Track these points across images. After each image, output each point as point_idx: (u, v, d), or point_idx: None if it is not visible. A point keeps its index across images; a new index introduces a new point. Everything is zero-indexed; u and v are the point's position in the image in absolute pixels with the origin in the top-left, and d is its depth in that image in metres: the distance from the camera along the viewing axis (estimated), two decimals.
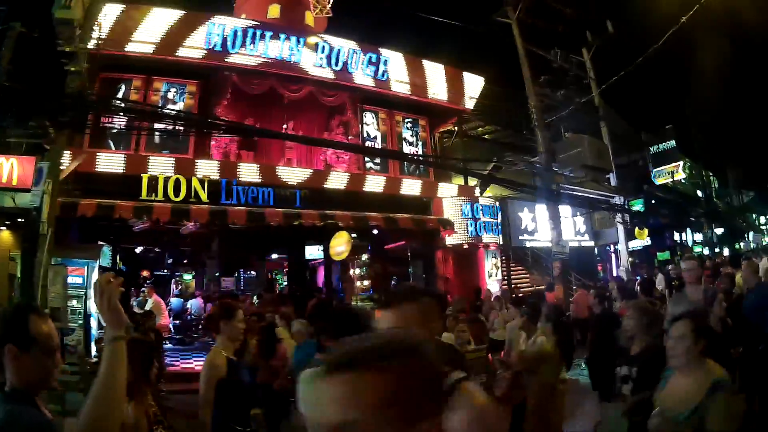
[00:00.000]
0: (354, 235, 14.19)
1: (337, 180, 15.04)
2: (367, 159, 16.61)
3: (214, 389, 3.83)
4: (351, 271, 17.82)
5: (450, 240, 16.28)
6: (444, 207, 16.35)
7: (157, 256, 19.27)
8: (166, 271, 20.00)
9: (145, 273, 18.44)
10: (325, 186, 14.78)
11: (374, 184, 15.71)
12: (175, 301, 16.73)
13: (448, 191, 16.80)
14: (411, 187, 16.36)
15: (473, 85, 17.66)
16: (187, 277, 19.79)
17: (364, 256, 17.76)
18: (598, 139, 18.42)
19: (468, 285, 16.48)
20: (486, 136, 21.04)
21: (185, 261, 19.92)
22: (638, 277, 14.76)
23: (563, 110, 17.02)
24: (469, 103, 17.63)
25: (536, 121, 15.09)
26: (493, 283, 16.70)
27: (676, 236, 29.86)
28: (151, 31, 12.94)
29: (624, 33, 18.38)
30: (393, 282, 17.25)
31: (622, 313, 7.80)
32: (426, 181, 16.78)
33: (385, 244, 17.39)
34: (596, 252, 24.25)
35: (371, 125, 17.19)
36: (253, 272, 21.27)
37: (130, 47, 12.83)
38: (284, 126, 15.32)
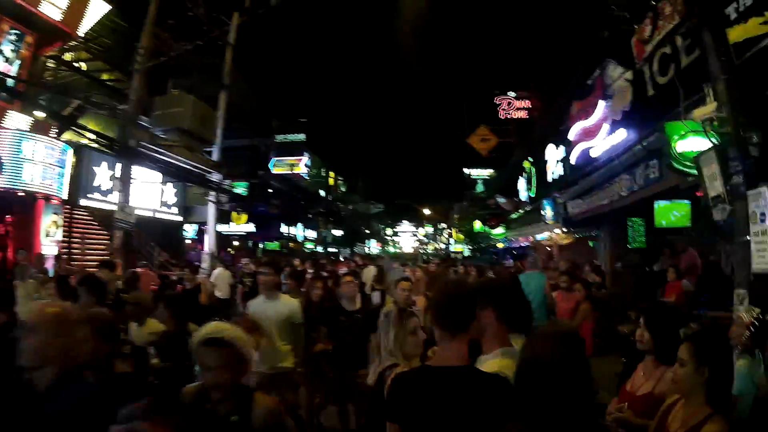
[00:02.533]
0: None
1: None
2: None
3: None
4: None
5: None
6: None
7: None
8: None
9: None
10: None
11: None
12: None
13: (15, 122, 13.36)
14: None
15: (95, 9, 14.69)
16: None
17: None
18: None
19: (25, 243, 13.44)
20: (106, 76, 17.78)
21: None
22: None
23: (184, 65, 15.11)
24: (82, 28, 14.63)
25: (138, 64, 12.75)
26: (49, 245, 13.90)
27: (285, 228, 29.84)
28: None
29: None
30: None
31: None
32: None
33: None
34: (195, 229, 22.77)
35: None
36: None
37: None
38: None
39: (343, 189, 50.06)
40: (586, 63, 12.57)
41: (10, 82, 12.84)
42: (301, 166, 28.94)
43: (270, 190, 26.78)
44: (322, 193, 39.85)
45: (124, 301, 5.10)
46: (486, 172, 40.32)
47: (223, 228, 25.45)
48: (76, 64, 17.06)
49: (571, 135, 13.99)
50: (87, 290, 4.56)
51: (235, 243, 27.74)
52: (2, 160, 12.76)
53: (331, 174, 43.00)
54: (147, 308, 5.05)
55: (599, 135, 11.86)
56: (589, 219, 14.09)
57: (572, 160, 14.11)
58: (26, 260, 11.36)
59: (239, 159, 24.14)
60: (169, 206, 19.01)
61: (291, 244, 31.94)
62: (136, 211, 13.28)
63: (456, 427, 2.16)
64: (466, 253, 43.12)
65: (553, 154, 16.77)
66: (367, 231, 60.73)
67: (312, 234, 37.24)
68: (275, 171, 28.18)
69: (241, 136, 25.21)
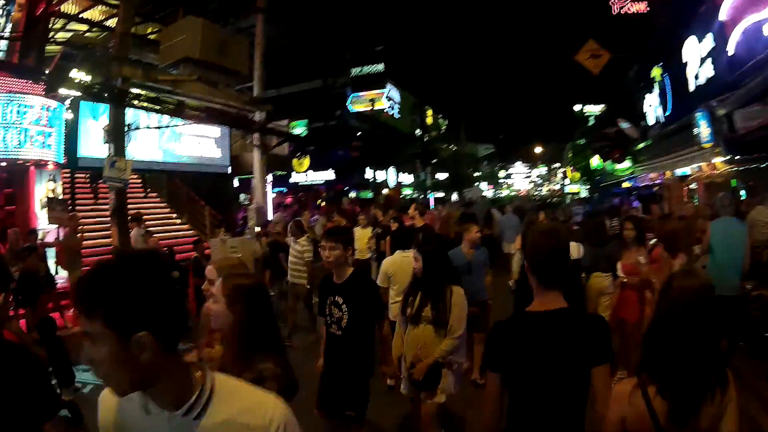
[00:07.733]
0: None
1: None
2: None
3: None
4: None
5: None
6: None
7: None
8: None
9: None
10: None
11: None
12: None
13: None
14: None
15: None
16: None
17: None
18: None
19: (19, 218, 11.60)
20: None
21: None
22: None
23: None
24: None
25: None
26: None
27: (370, 174, 26.27)
28: None
29: None
30: None
31: None
32: None
33: None
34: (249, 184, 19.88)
35: None
36: None
37: None
38: None
39: (443, 128, 46.01)
40: None
41: None
42: (383, 100, 25.26)
43: (357, 133, 23.64)
44: (417, 132, 36.20)
45: None
46: (597, 108, 35.83)
47: (299, 178, 22.74)
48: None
49: (723, 13, 9.55)
50: None
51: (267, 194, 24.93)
52: None
53: (428, 111, 38.90)
54: None
55: None
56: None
57: (730, 49, 9.65)
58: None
59: (314, 102, 21.27)
60: (211, 157, 16.09)
61: (387, 191, 28.71)
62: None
63: (561, 367, 2.13)
64: (583, 194, 37.99)
65: (694, 50, 12.05)
66: (477, 173, 56.33)
67: (409, 179, 33.95)
68: (354, 109, 24.79)
69: (312, 78, 22.22)
